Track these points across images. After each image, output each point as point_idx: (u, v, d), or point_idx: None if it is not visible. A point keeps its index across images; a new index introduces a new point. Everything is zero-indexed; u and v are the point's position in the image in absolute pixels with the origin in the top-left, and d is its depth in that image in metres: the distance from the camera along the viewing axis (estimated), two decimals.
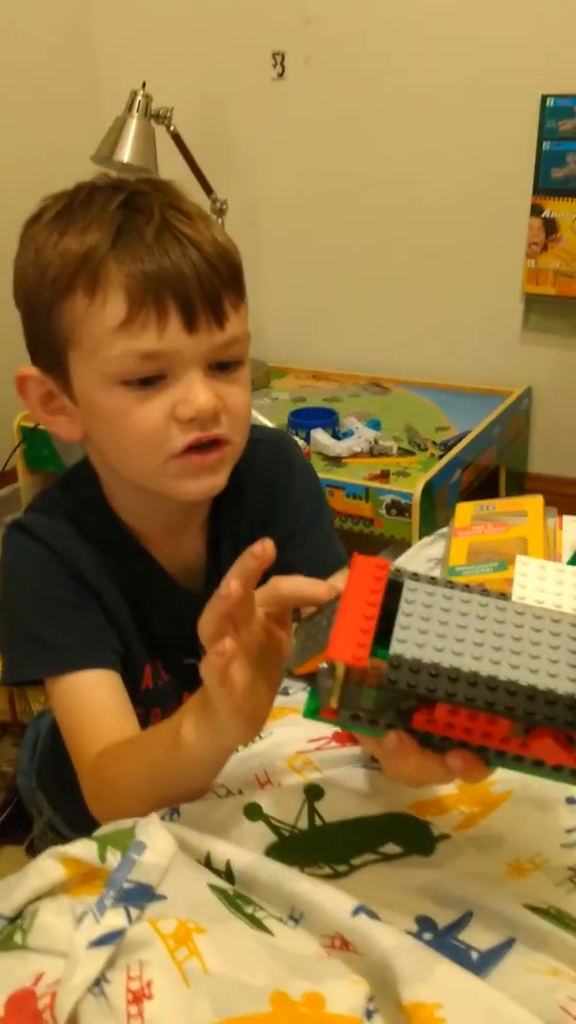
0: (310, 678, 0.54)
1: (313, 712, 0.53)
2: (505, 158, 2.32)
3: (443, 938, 0.59)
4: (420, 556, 1.10)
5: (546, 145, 2.27)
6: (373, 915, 0.56)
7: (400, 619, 0.50)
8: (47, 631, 0.80)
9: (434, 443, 2.16)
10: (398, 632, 0.49)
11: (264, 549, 0.56)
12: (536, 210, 2.33)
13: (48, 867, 0.63)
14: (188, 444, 0.75)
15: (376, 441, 2.12)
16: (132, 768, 0.72)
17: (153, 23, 2.61)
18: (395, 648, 0.48)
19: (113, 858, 0.62)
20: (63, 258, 0.74)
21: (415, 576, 0.53)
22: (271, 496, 0.89)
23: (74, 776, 0.97)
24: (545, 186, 2.30)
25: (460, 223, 2.43)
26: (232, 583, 0.55)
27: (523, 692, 0.47)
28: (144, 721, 0.82)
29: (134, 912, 0.57)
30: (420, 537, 1.95)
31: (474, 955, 0.57)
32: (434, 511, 1.97)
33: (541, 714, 0.47)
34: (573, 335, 2.41)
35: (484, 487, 2.27)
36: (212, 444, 0.76)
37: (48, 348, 0.77)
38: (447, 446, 2.12)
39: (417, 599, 0.52)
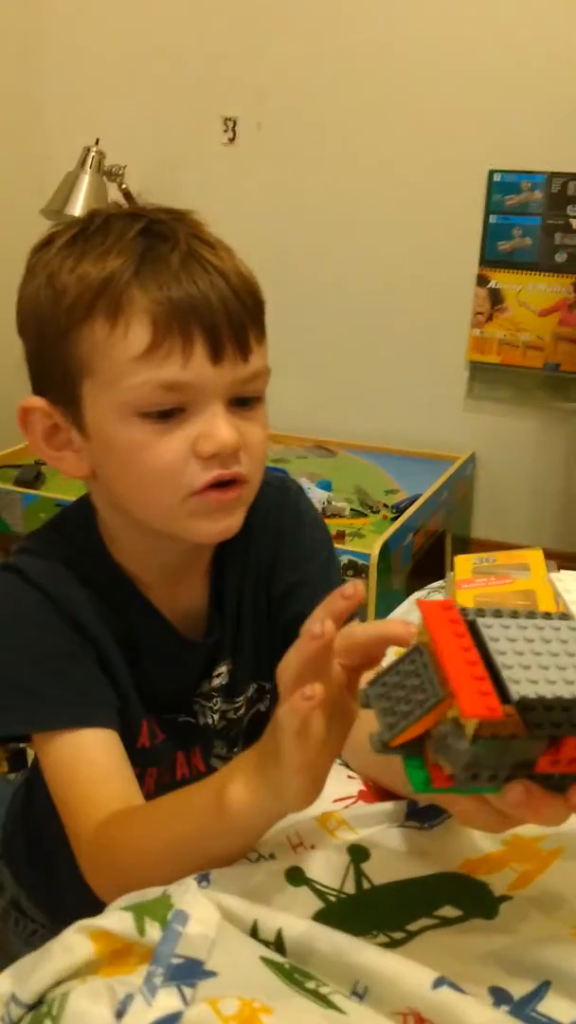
0: (409, 747, 0.49)
1: (425, 783, 0.48)
2: (453, 231, 2.38)
3: (521, 1011, 0.53)
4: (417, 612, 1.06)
5: (493, 219, 2.34)
6: (456, 987, 0.51)
7: (499, 659, 0.47)
8: (40, 682, 0.73)
9: (385, 505, 2.15)
10: (507, 673, 0.46)
11: (356, 590, 0.52)
12: (482, 281, 2.39)
13: (76, 943, 0.56)
14: (209, 482, 0.71)
15: (329, 502, 2.10)
16: (152, 837, 0.65)
17: (105, 81, 2.62)
18: (519, 690, 0.45)
19: (152, 931, 0.55)
20: (82, 282, 0.70)
21: (481, 612, 0.51)
22: (280, 543, 0.85)
23: (50, 850, 0.89)
24: (491, 258, 2.36)
25: (408, 292, 2.47)
26: (326, 623, 0.51)
27: None
28: (140, 782, 0.75)
29: (187, 991, 0.51)
30: (376, 601, 1.93)
31: None
32: (389, 573, 1.95)
33: None
34: (516, 403, 2.46)
35: (430, 553, 2.27)
36: (230, 482, 0.72)
37: (60, 378, 0.72)
38: (399, 508, 2.12)
39: (500, 635, 0.49)
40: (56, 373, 0.73)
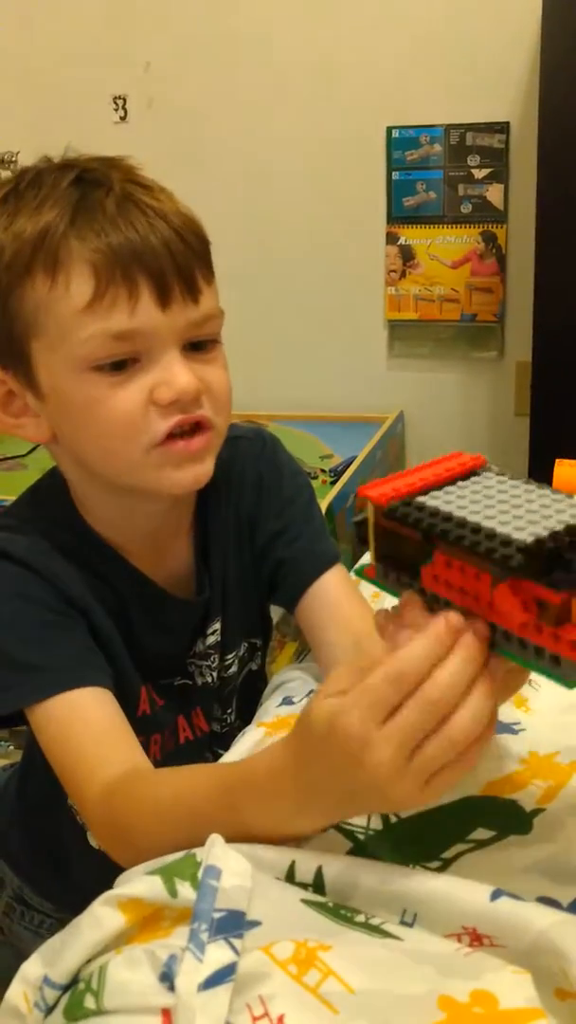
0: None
1: (360, 570, 0.56)
2: (358, 191, 2.37)
3: (574, 915, 0.52)
4: None
5: (395, 175, 2.34)
6: (516, 897, 0.49)
7: (448, 487, 0.53)
8: (31, 656, 0.70)
9: (323, 471, 2.14)
10: (423, 494, 0.52)
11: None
12: (392, 238, 2.38)
13: (104, 915, 0.52)
14: (170, 429, 0.68)
15: None
16: (169, 822, 0.62)
17: None
18: (411, 498, 0.52)
19: (185, 890, 0.52)
20: (17, 240, 0.67)
21: (500, 472, 0.56)
22: (258, 493, 0.83)
23: (49, 839, 0.86)
24: (398, 215, 2.36)
25: (319, 257, 2.45)
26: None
27: (496, 537, 0.47)
28: (145, 750, 0.72)
29: (236, 942, 0.48)
30: None
31: None
32: (336, 537, 1.94)
33: (501, 556, 0.46)
34: (437, 357, 2.47)
35: None
36: (196, 429, 0.70)
37: (7, 342, 0.69)
38: (336, 472, 2.11)
39: (479, 481, 0.54)
40: (3, 337, 0.70)
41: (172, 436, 0.68)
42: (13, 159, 2.25)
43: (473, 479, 0.54)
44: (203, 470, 0.71)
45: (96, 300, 0.65)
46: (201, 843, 0.57)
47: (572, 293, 1.95)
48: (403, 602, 0.53)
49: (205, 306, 0.70)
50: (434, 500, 0.51)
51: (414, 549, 0.51)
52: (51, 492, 0.78)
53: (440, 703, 0.46)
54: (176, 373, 0.67)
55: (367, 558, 0.57)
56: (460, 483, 0.54)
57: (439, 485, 0.53)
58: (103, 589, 0.75)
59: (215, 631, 0.82)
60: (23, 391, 0.71)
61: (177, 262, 0.67)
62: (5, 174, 2.26)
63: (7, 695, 0.70)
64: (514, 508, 0.50)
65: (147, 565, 0.77)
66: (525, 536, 0.46)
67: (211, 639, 0.82)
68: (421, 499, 0.51)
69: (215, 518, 0.82)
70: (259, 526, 0.82)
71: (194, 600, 0.80)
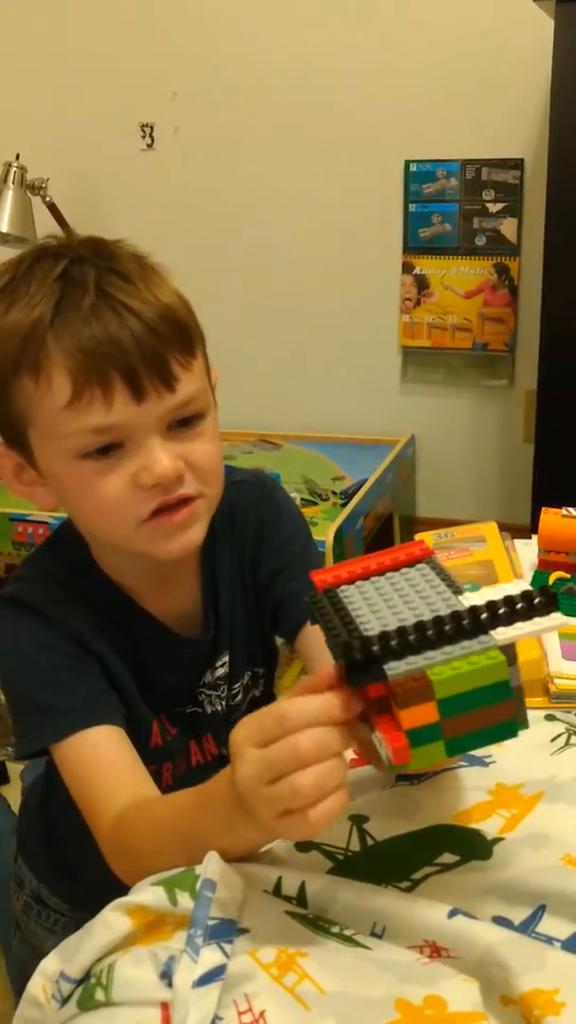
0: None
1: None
2: (376, 222, 2.45)
3: (523, 933, 0.60)
4: None
5: (412, 207, 2.41)
6: (469, 915, 0.57)
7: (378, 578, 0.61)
8: (50, 699, 0.77)
9: (334, 492, 2.21)
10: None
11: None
12: (407, 268, 2.46)
13: (114, 920, 0.60)
14: (153, 510, 0.74)
15: None
16: (164, 833, 0.70)
17: (21, 96, 2.62)
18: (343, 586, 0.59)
19: (184, 900, 0.60)
20: (8, 338, 0.71)
21: (436, 567, 0.62)
22: (259, 535, 0.90)
23: (67, 846, 0.94)
24: (414, 245, 2.44)
25: (337, 285, 2.53)
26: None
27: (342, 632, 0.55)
28: (157, 778, 0.80)
29: (227, 947, 0.56)
30: None
31: (556, 944, 0.59)
32: (344, 559, 2.01)
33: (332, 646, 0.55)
34: (448, 383, 2.55)
35: (380, 536, 2.34)
36: (181, 502, 0.75)
37: (9, 426, 0.76)
38: (347, 495, 2.18)
39: (407, 573, 0.61)
40: (6, 422, 0.75)
41: (158, 512, 0.74)
42: (43, 184, 2.34)
43: (405, 570, 0.61)
44: (192, 537, 0.77)
45: (75, 399, 0.69)
46: (193, 857, 0.64)
47: None
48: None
49: (183, 392, 0.72)
50: (351, 589, 0.59)
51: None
52: (69, 540, 0.84)
53: (302, 755, 0.53)
54: (156, 460, 0.71)
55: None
56: (390, 574, 0.60)
57: (379, 573, 0.60)
58: (115, 632, 0.82)
59: (224, 663, 0.89)
60: (28, 467, 0.77)
61: (147, 357, 0.70)
62: (35, 200, 2.35)
63: (29, 737, 0.78)
64: (397, 605, 0.57)
65: (157, 607, 0.85)
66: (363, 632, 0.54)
67: (220, 671, 0.89)
68: (343, 588, 0.59)
69: (221, 559, 0.88)
70: (261, 565, 0.89)
71: (201, 638, 0.87)
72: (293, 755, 0.53)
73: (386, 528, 2.45)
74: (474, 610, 0.53)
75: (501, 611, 0.53)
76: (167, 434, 0.73)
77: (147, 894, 0.61)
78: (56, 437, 0.71)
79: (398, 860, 0.67)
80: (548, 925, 0.60)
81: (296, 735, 0.54)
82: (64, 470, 0.73)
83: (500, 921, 0.61)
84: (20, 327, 0.70)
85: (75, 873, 0.93)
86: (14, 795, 1.17)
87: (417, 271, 2.45)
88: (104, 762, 0.76)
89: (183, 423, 0.74)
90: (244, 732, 0.56)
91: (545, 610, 0.53)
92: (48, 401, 0.70)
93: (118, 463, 0.72)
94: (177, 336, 0.72)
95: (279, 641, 1.00)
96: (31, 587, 0.81)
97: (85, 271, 0.71)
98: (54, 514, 1.92)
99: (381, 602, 0.58)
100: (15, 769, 1.98)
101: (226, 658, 0.89)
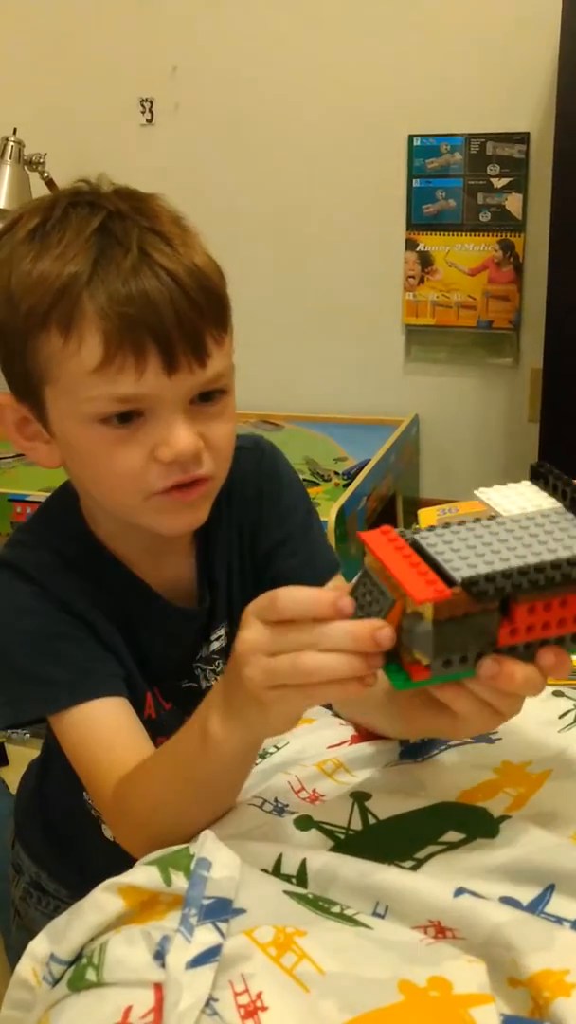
0: (387, 657, 0.53)
1: (405, 680, 0.52)
2: (379, 198, 2.41)
3: (531, 913, 0.58)
4: None
5: (416, 183, 2.38)
6: (475, 894, 0.55)
7: (438, 557, 0.52)
8: (44, 668, 0.75)
9: (336, 473, 2.19)
10: (446, 565, 0.51)
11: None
12: (411, 245, 2.42)
13: (105, 901, 0.58)
14: (169, 487, 0.71)
15: None
16: (160, 782, 0.68)
17: (17, 70, 2.59)
18: (460, 574, 0.50)
19: (178, 879, 0.58)
20: (38, 288, 0.68)
21: (416, 531, 0.56)
22: (259, 504, 0.87)
23: (65, 826, 0.92)
24: (418, 221, 2.40)
25: (338, 261, 2.50)
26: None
27: (565, 564, 0.50)
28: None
29: (222, 926, 0.54)
30: None
31: (566, 924, 0.57)
32: (347, 540, 1.99)
33: None
34: (453, 362, 2.52)
35: (383, 517, 2.32)
36: (194, 481, 0.73)
37: (23, 379, 0.73)
38: (350, 475, 2.16)
39: (436, 541, 0.54)
40: (20, 375, 0.73)
41: (171, 487, 0.71)
42: (41, 160, 2.30)
43: (430, 542, 0.54)
44: (198, 516, 0.75)
45: (106, 364, 0.67)
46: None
47: None
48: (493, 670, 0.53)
49: (213, 369, 0.70)
50: (473, 569, 0.51)
51: (486, 617, 0.51)
52: (64, 507, 0.82)
53: (314, 638, 0.52)
54: (178, 435, 0.69)
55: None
56: (432, 548, 0.54)
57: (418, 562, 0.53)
58: (108, 600, 0.79)
59: (219, 636, 0.87)
60: (36, 422, 0.75)
61: (185, 329, 0.68)
62: (33, 175, 2.31)
63: (24, 705, 0.76)
64: (529, 538, 0.53)
65: (150, 576, 0.82)
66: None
67: (215, 644, 0.87)
68: (469, 574, 0.50)
69: (217, 528, 0.86)
70: (260, 536, 0.87)
71: (196, 608, 0.85)
72: (306, 636, 0.53)
73: (389, 509, 2.43)
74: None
75: None
76: (189, 408, 0.71)
77: (140, 874, 0.59)
78: (76, 399, 0.69)
79: (401, 839, 0.64)
80: (557, 905, 0.58)
81: (317, 625, 0.53)
82: (77, 432, 0.71)
83: (508, 901, 0.59)
84: (53, 280, 0.67)
85: (74, 857, 0.91)
86: (13, 778, 1.15)
87: (421, 248, 2.41)
88: (106, 734, 0.75)
89: (205, 397, 0.72)
90: (258, 606, 0.56)
91: None
92: (76, 362, 0.67)
93: (137, 433, 0.70)
94: (213, 309, 0.70)
95: None
96: (23, 553, 0.79)
97: (128, 228, 0.68)
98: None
99: (509, 545, 0.53)
100: (15, 751, 1.97)
101: (222, 631, 0.87)
